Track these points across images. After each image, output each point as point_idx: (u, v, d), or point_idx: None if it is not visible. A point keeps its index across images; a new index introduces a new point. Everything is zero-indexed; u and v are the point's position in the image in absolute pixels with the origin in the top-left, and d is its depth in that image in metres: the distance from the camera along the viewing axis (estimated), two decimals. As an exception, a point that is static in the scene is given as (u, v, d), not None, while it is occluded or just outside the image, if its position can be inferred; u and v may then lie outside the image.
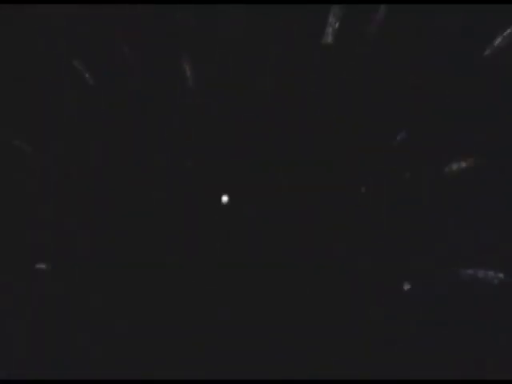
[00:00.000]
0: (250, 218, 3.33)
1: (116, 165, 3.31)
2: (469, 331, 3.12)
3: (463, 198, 3.26)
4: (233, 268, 3.28)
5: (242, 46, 3.27)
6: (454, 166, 3.25)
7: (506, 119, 3.19)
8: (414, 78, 3.27)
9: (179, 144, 3.37)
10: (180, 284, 3.25)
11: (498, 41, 2.99)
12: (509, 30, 2.95)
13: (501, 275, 3.15)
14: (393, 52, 3.28)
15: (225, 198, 2.77)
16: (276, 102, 3.33)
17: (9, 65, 3.24)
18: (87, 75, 3.28)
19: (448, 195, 3.27)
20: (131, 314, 3.20)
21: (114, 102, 3.31)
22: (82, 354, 3.12)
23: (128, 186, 3.32)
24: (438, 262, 3.22)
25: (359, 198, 3.29)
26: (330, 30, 2.59)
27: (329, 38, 2.57)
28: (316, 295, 3.21)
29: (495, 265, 3.18)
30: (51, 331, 3.15)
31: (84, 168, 3.31)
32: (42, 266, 3.22)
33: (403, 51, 3.27)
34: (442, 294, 3.18)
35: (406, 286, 3.21)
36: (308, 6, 3.17)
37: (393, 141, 3.30)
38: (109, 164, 3.31)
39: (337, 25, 2.60)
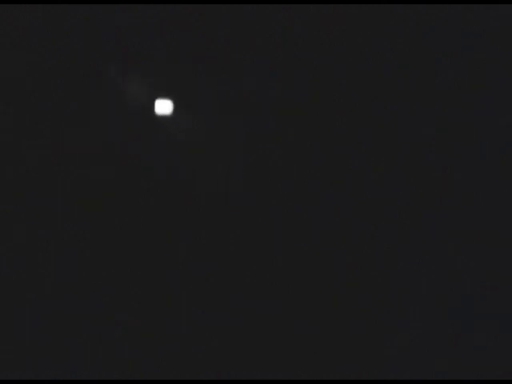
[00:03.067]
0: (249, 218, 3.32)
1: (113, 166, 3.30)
2: (468, 330, 3.12)
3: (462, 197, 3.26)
4: (232, 268, 3.27)
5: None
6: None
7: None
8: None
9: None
10: (179, 284, 3.24)
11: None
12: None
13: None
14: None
15: None
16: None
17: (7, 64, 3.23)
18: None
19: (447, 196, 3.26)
20: (130, 314, 3.19)
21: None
22: (83, 354, 3.12)
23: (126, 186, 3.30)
24: (437, 262, 3.22)
25: (359, 199, 3.28)
26: None
27: None
28: (315, 295, 3.20)
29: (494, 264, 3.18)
30: (50, 331, 3.14)
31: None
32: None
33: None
34: (442, 293, 3.18)
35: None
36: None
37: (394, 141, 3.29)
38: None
39: None
